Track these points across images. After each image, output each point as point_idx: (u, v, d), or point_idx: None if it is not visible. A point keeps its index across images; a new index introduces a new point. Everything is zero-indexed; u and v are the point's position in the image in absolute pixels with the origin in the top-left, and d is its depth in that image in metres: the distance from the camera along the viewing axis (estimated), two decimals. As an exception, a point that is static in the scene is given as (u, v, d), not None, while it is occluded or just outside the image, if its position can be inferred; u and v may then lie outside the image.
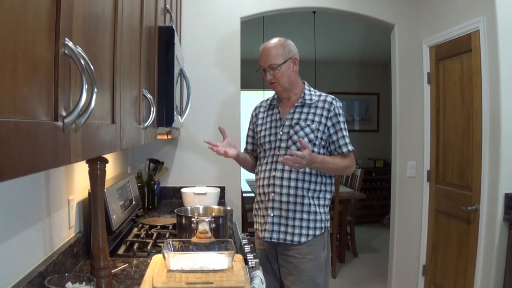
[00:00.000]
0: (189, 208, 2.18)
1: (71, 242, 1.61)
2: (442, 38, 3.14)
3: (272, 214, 2.08)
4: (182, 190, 2.80)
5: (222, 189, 3.18)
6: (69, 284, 1.18)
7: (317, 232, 2.06)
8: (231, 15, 3.25)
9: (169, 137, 2.45)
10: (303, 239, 2.04)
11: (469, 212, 2.81)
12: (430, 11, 3.34)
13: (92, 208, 1.37)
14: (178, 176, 3.25)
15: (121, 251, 1.88)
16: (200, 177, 3.21)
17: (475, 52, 2.76)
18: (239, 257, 1.69)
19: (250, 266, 1.82)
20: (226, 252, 1.58)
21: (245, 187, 5.09)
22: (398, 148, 3.46)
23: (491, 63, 2.61)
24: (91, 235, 1.37)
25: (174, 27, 1.81)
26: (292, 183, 2.05)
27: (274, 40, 2.14)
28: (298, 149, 1.95)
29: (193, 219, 1.90)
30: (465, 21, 2.86)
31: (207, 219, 1.88)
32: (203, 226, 1.85)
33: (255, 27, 4.74)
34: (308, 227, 2.05)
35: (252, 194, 5.09)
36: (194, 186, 2.93)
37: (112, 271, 1.54)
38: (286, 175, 2.06)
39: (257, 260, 1.88)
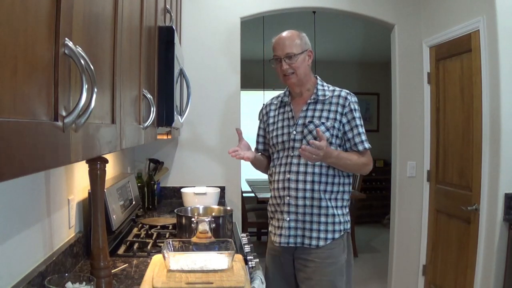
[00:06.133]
0: (189, 208, 2.18)
1: (71, 242, 1.61)
2: (442, 38, 3.14)
3: (288, 219, 1.96)
4: (182, 190, 2.80)
5: (222, 189, 3.18)
6: (69, 284, 1.18)
7: (336, 235, 1.95)
8: (231, 15, 3.25)
9: (169, 137, 2.45)
10: (322, 243, 1.93)
11: (469, 212, 2.81)
12: (430, 11, 3.34)
13: (92, 208, 1.37)
14: (178, 176, 3.25)
15: (121, 251, 1.88)
16: (200, 177, 3.21)
17: (475, 52, 2.76)
18: (239, 257, 1.69)
19: (250, 266, 1.82)
20: (226, 252, 1.58)
21: (245, 187, 5.09)
22: (398, 148, 3.46)
23: (491, 63, 2.61)
24: (91, 235, 1.37)
25: (174, 27, 1.81)
26: (308, 186, 1.93)
27: (290, 31, 2.01)
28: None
29: (193, 219, 1.90)
30: (465, 21, 2.86)
31: (207, 219, 1.88)
32: (203, 226, 1.85)
33: (255, 27, 4.73)
34: (326, 231, 1.94)
35: (252, 194, 5.09)
36: (194, 186, 2.93)
37: (112, 271, 1.53)
38: (301, 177, 1.94)
39: (257, 260, 1.87)
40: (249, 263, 1.83)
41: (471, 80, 2.82)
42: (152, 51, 1.60)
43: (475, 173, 2.77)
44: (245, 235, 2.30)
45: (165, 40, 1.72)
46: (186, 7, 3.15)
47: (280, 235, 1.98)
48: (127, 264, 1.71)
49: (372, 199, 6.52)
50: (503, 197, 2.53)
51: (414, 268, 3.48)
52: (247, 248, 2.03)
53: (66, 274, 1.31)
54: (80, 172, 1.78)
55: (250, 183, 5.49)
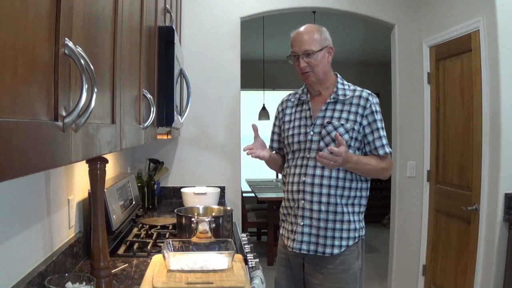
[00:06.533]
0: (189, 208, 2.18)
1: (71, 242, 1.61)
2: (442, 38, 3.14)
3: (302, 223, 1.87)
4: (182, 190, 2.80)
5: (222, 189, 3.18)
6: (69, 284, 1.18)
7: (350, 242, 1.86)
8: (231, 15, 3.25)
9: (169, 137, 2.45)
10: (336, 251, 1.84)
11: (469, 212, 2.81)
12: (430, 11, 3.34)
13: (92, 208, 1.37)
14: (178, 176, 3.25)
15: (121, 251, 1.88)
16: (200, 177, 3.21)
17: (475, 52, 2.76)
18: (239, 257, 1.69)
19: (250, 266, 1.82)
20: (226, 252, 1.58)
21: (245, 187, 5.10)
22: (398, 148, 3.46)
23: (491, 63, 2.61)
24: (91, 235, 1.37)
25: (174, 27, 1.81)
26: (324, 190, 1.84)
27: (309, 26, 1.91)
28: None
29: (193, 219, 1.90)
30: (465, 21, 2.86)
31: (207, 219, 1.88)
32: (203, 226, 1.85)
33: (255, 27, 4.73)
34: (341, 238, 1.85)
35: (252, 194, 5.09)
36: (194, 186, 2.93)
37: (112, 271, 1.54)
38: (317, 181, 1.84)
39: (257, 260, 1.87)
40: (249, 263, 1.83)
41: (471, 80, 2.82)
42: (152, 51, 1.60)
43: (475, 173, 2.77)
44: (245, 235, 2.30)
45: (165, 40, 1.72)
46: (186, 7, 3.15)
47: (294, 240, 1.89)
48: (127, 264, 1.71)
49: (372, 199, 6.46)
50: (503, 197, 2.53)
51: (414, 268, 3.48)
52: (247, 248, 2.03)
53: (66, 274, 1.31)
54: (80, 172, 1.78)
55: (250, 183, 5.50)
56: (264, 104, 6.02)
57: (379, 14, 3.41)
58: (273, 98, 6.53)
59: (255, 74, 6.17)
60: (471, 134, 2.83)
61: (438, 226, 3.26)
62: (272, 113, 6.19)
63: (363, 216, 1.95)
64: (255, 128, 1.95)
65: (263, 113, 5.95)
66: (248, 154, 1.88)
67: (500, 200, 2.54)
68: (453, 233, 3.05)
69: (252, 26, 4.31)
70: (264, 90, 6.31)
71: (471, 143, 2.83)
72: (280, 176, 7.08)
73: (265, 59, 6.07)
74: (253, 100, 6.40)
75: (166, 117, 1.72)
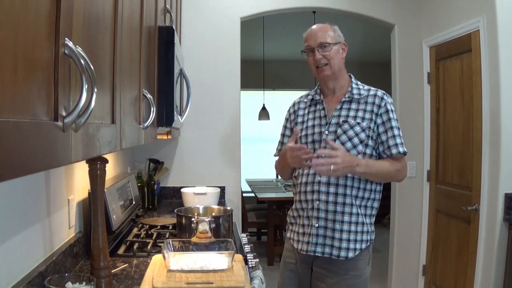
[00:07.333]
0: (189, 208, 2.18)
1: (71, 242, 1.61)
2: (442, 38, 3.14)
3: (316, 225, 1.81)
4: (182, 190, 2.80)
5: (222, 189, 3.18)
6: (69, 284, 1.18)
7: (363, 246, 1.83)
8: (231, 15, 3.25)
9: (169, 137, 2.45)
10: (351, 254, 1.80)
11: (469, 212, 2.81)
12: (430, 11, 3.34)
13: (92, 208, 1.37)
14: (178, 176, 3.25)
15: (121, 251, 1.88)
16: (200, 177, 3.21)
17: (475, 52, 2.76)
18: (239, 257, 1.69)
19: (250, 266, 1.82)
20: (226, 252, 1.58)
21: (245, 187, 5.10)
22: (398, 148, 3.46)
23: (491, 63, 2.61)
24: (91, 235, 1.37)
25: (174, 27, 1.81)
26: (340, 190, 1.79)
27: (322, 24, 1.94)
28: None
29: (193, 219, 1.90)
30: (465, 21, 2.86)
31: (207, 219, 1.88)
32: (203, 226, 1.85)
33: (255, 27, 4.73)
34: (355, 240, 1.80)
35: (252, 194, 5.09)
36: (194, 186, 2.93)
37: (112, 271, 1.54)
38: (333, 180, 1.79)
39: (257, 260, 1.87)
40: (249, 263, 1.83)
41: (471, 80, 2.82)
42: (152, 51, 1.60)
43: (475, 173, 2.77)
44: (245, 235, 2.30)
45: (165, 40, 1.72)
46: (186, 7, 3.15)
47: (308, 242, 1.82)
48: (127, 264, 1.71)
49: (372, 199, 6.51)
50: (503, 197, 2.54)
51: (414, 268, 3.48)
52: (247, 248, 2.03)
53: (66, 274, 1.31)
54: (80, 172, 1.78)
55: (250, 183, 5.50)
56: (264, 104, 6.02)
57: (379, 14, 3.41)
58: (273, 98, 6.53)
59: (255, 74, 6.17)
60: (471, 134, 2.83)
61: (438, 226, 3.26)
62: (272, 113, 6.18)
63: (374, 219, 1.91)
64: (297, 133, 1.82)
65: (263, 113, 5.95)
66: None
67: (500, 200, 2.54)
68: (453, 233, 3.05)
69: (252, 26, 4.31)
70: (264, 90, 6.30)
71: (471, 143, 2.83)
72: (280, 176, 7.08)
73: (265, 59, 6.07)
74: (253, 100, 6.40)
75: (166, 117, 1.72)
